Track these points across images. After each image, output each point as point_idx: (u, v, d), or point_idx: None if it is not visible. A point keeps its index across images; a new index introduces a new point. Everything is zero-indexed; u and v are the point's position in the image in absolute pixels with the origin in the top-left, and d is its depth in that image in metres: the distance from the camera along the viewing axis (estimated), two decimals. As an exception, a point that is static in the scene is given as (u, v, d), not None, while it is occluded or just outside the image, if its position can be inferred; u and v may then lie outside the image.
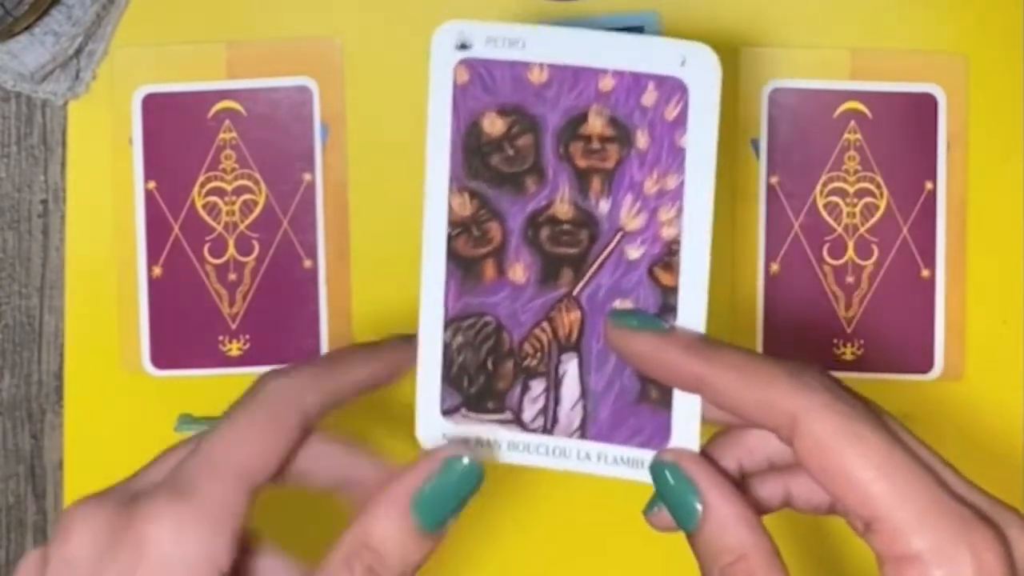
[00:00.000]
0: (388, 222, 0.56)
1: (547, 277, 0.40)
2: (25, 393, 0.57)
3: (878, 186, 0.56)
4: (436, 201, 0.40)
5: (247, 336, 0.56)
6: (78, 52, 0.55)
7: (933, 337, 0.56)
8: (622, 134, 0.39)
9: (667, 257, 0.39)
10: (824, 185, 0.56)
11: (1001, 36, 0.56)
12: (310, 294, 0.56)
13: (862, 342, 0.56)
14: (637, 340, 0.39)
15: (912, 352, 0.56)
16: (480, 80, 0.40)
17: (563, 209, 0.40)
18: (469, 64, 0.40)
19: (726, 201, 0.56)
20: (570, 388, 0.40)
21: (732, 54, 0.56)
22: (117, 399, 0.56)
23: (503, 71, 0.40)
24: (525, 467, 0.40)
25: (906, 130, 0.56)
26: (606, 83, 0.39)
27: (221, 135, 0.56)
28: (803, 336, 0.56)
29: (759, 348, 0.56)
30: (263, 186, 0.56)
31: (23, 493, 0.57)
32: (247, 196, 0.56)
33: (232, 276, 0.56)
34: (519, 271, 0.40)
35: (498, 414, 0.40)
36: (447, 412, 0.41)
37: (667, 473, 0.38)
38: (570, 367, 0.40)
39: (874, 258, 0.56)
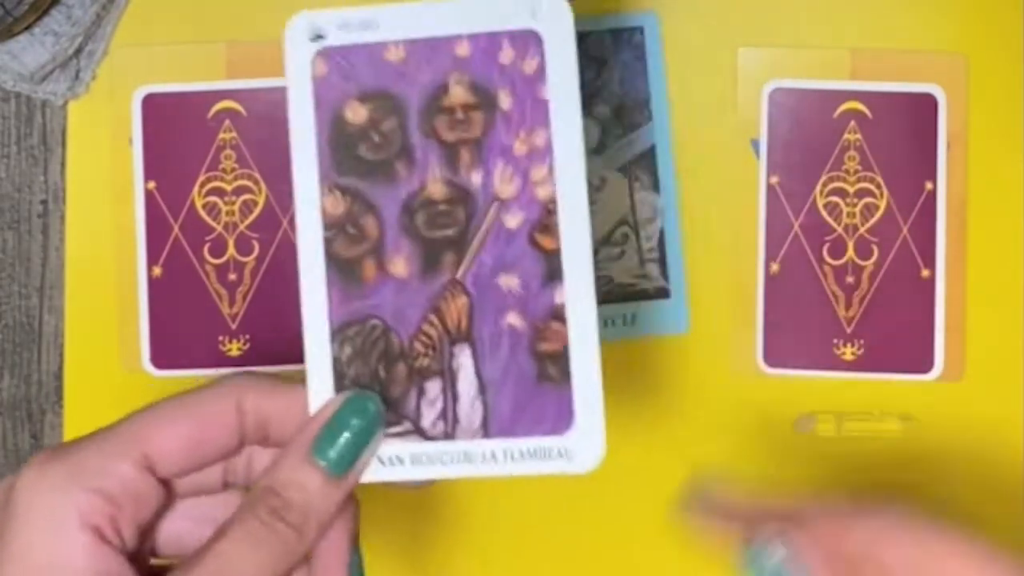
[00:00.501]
0: (388, 222, 0.56)
1: (429, 265, 0.38)
2: (25, 393, 0.57)
3: (878, 186, 0.56)
4: (307, 205, 0.39)
5: (247, 336, 0.56)
6: (78, 52, 0.55)
7: (933, 337, 0.56)
8: (485, 99, 0.38)
9: (546, 219, 0.38)
10: (824, 185, 0.56)
11: (1001, 36, 0.56)
12: (310, 294, 0.56)
13: (862, 342, 0.56)
14: None
15: (912, 352, 0.56)
16: (338, 69, 0.39)
17: (436, 189, 0.39)
18: (325, 54, 0.39)
19: (726, 201, 0.56)
20: (467, 382, 0.38)
21: (732, 54, 0.56)
22: (117, 399, 0.56)
23: (360, 55, 0.39)
24: (433, 481, 0.39)
25: (906, 130, 0.56)
26: (462, 49, 0.39)
27: (221, 135, 0.56)
28: (803, 336, 0.56)
29: (759, 348, 0.56)
30: (263, 186, 0.56)
31: (23, 493, 0.57)
32: (247, 196, 0.56)
33: (232, 276, 0.56)
34: (400, 264, 0.38)
35: (396, 427, 0.38)
36: None
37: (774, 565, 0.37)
38: (464, 359, 0.38)
39: (874, 258, 0.56)
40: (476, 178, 0.39)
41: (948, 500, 0.55)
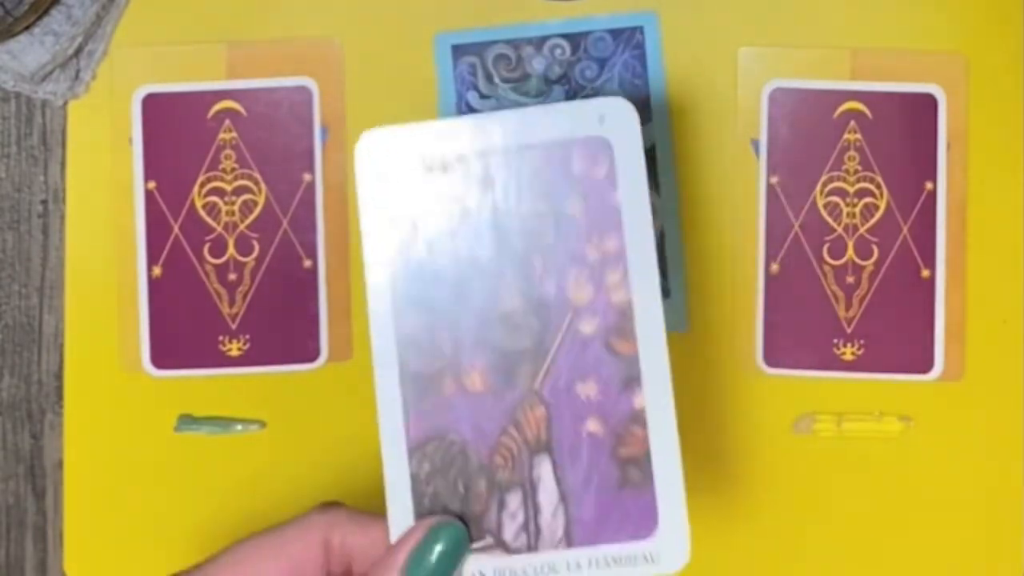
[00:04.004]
0: (388, 222, 0.56)
1: (506, 378, 0.38)
2: (25, 393, 0.57)
3: (878, 186, 0.56)
4: (383, 321, 0.39)
5: (247, 336, 0.56)
6: (78, 52, 0.55)
7: (933, 337, 0.56)
8: (556, 206, 0.39)
9: (621, 323, 0.38)
10: (824, 185, 0.56)
11: (1001, 36, 0.56)
12: (310, 294, 0.56)
13: (862, 342, 0.56)
14: None
15: (912, 352, 0.56)
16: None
17: (510, 300, 0.39)
18: None
19: (726, 201, 0.56)
20: (547, 492, 0.38)
21: (732, 54, 0.56)
22: (117, 399, 0.56)
23: None
24: None
25: (906, 130, 0.56)
26: (533, 159, 0.39)
27: (221, 135, 0.56)
28: (803, 336, 0.56)
29: (759, 348, 0.56)
30: (263, 186, 0.56)
31: (23, 493, 0.57)
32: (247, 196, 0.56)
33: (232, 276, 0.56)
34: (476, 378, 0.38)
35: (479, 542, 0.38)
36: None
37: None
38: (544, 470, 0.38)
39: (874, 258, 0.56)
40: (549, 286, 0.39)
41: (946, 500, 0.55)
